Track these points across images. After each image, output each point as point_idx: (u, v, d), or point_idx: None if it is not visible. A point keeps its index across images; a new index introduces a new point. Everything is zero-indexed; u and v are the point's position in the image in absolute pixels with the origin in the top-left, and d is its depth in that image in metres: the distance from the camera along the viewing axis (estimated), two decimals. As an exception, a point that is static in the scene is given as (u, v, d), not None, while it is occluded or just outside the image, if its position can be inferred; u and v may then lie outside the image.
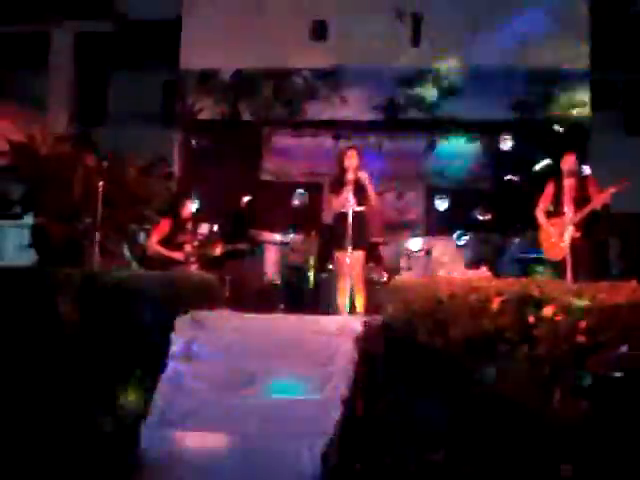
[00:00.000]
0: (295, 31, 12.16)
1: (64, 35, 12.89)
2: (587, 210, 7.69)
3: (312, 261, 10.34)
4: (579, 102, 11.86)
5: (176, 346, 5.92)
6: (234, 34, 12.17)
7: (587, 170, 8.54)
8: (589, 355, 4.06)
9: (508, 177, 11.55)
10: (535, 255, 9.49)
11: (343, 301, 8.15)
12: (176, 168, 12.42)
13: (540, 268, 9.40)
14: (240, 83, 12.63)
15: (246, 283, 10.01)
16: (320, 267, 10.27)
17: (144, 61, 12.73)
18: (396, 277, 9.70)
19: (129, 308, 5.94)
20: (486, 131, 12.16)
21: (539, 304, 4.48)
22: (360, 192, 8.28)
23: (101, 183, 8.35)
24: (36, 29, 12.60)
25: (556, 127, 11.64)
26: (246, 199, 11.52)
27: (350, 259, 8.06)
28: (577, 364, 4.11)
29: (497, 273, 8.64)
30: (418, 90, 12.25)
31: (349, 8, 12.13)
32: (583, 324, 4.13)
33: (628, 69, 12.22)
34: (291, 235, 10.75)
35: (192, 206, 9.56)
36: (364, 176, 8.29)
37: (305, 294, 10.18)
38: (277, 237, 10.85)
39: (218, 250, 9.54)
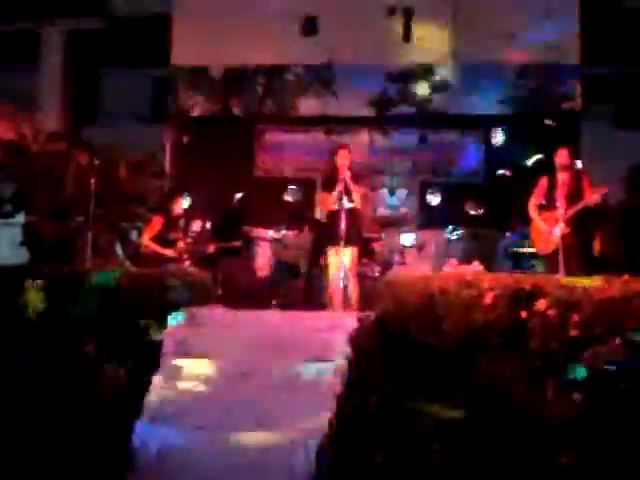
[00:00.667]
0: (286, 27, 12.14)
1: (55, 33, 12.85)
2: (579, 207, 7.70)
3: (304, 257, 10.34)
4: (570, 96, 11.88)
5: (169, 343, 5.92)
6: (225, 30, 12.14)
7: (579, 164, 8.55)
8: (582, 349, 4.07)
9: (500, 172, 11.56)
10: (527, 249, 9.51)
11: (337, 297, 8.17)
12: (168, 165, 12.41)
13: (532, 262, 9.43)
14: (231, 79, 12.62)
15: (239, 280, 10.01)
16: (313, 263, 10.27)
17: (135, 58, 12.71)
18: (389, 272, 9.71)
19: (122, 306, 5.92)
20: (478, 126, 12.17)
21: (532, 298, 4.49)
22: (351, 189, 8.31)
23: (93, 181, 8.33)
24: (27, 27, 12.57)
25: (547, 121, 11.65)
26: (239, 195, 11.51)
27: (343, 255, 8.09)
28: (570, 358, 4.11)
29: (489, 268, 8.65)
30: (409, 85, 12.25)
31: (340, 3, 12.11)
32: (576, 317, 4.13)
33: (619, 63, 12.25)
34: (284, 231, 10.75)
35: (184, 203, 9.55)
36: (348, 175, 8.30)
37: (298, 290, 10.19)
38: (270, 233, 10.85)
39: (211, 247, 9.54)
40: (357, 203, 8.38)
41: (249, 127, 12.69)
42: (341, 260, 8.17)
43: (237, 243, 10.22)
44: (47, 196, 9.32)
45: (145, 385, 5.49)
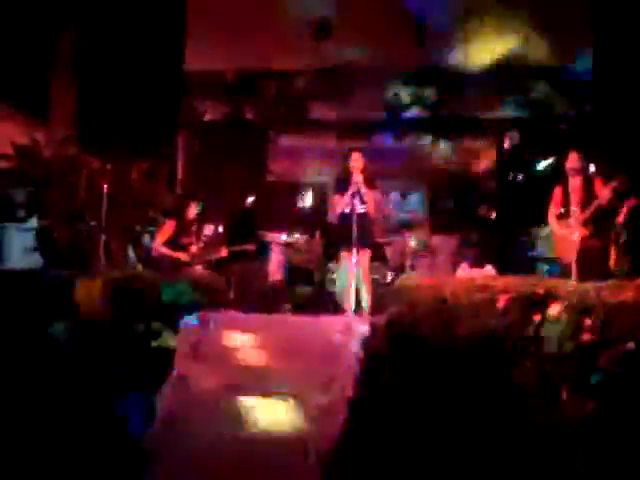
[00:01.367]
0: (298, 31, 12.16)
1: (67, 37, 12.89)
2: (593, 208, 7.67)
3: (316, 262, 10.35)
4: (582, 100, 11.84)
5: (182, 347, 5.93)
6: (238, 35, 12.17)
7: (592, 168, 8.51)
8: (595, 353, 4.05)
9: (512, 175, 11.54)
10: (540, 254, 9.49)
11: (348, 301, 8.17)
12: (181, 170, 12.44)
13: (545, 267, 9.40)
14: (244, 84, 12.64)
15: (251, 284, 10.01)
16: (325, 267, 10.28)
17: (148, 63, 12.74)
18: (401, 277, 9.70)
19: (134, 310, 5.94)
20: (490, 129, 12.15)
21: (545, 303, 4.48)
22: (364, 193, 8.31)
23: (105, 185, 8.36)
24: (39, 33, 12.61)
25: (560, 125, 11.62)
26: (251, 199, 11.53)
27: (356, 259, 8.08)
28: (583, 362, 4.10)
29: (502, 272, 8.63)
30: (421, 89, 12.24)
31: (352, 8, 12.12)
32: (589, 322, 4.12)
33: (631, 67, 12.19)
34: (296, 236, 10.76)
35: (197, 208, 9.57)
36: (360, 179, 8.30)
37: (310, 294, 10.19)
38: (282, 237, 10.85)
39: (223, 251, 9.55)
40: (370, 206, 8.38)
41: (261, 132, 12.71)
42: (353, 264, 8.17)
43: (249, 247, 10.23)
44: (60, 201, 9.35)
45: (159, 388, 5.51)
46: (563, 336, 4.24)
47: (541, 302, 4.50)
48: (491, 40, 11.78)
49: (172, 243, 8.96)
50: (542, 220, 8.32)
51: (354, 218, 8.10)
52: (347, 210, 8.26)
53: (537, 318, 4.45)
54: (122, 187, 9.29)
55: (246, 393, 5.49)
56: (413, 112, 12.30)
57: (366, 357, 5.65)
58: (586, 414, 4.04)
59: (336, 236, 8.77)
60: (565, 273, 7.51)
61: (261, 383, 5.56)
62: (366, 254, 8.36)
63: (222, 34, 12.25)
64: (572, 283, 5.16)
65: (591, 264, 7.42)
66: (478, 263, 9.53)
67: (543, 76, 11.90)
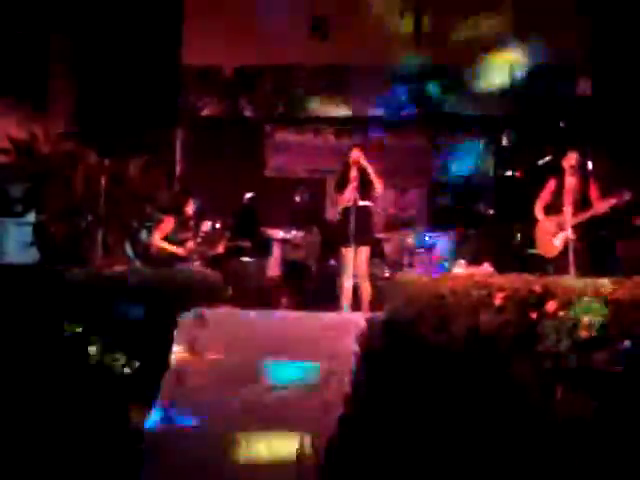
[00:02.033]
0: (296, 27, 12.15)
1: (64, 34, 12.86)
2: (586, 216, 7.65)
3: (314, 257, 10.35)
4: (581, 97, 11.84)
5: (179, 343, 5.93)
6: (235, 30, 12.15)
7: (590, 166, 8.52)
8: (592, 351, 4.06)
9: (510, 173, 11.54)
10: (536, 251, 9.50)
11: (346, 297, 8.18)
12: (178, 165, 12.43)
13: (541, 264, 9.41)
14: (241, 80, 12.62)
15: (249, 280, 10.01)
16: (322, 263, 10.29)
17: (145, 58, 12.71)
18: (398, 273, 9.70)
19: (132, 305, 5.94)
20: (488, 127, 12.15)
21: (542, 300, 4.48)
22: (365, 188, 8.31)
23: (103, 181, 8.35)
24: (37, 28, 12.59)
25: (559, 123, 11.62)
26: (248, 195, 11.51)
27: (355, 254, 8.11)
28: (580, 360, 4.10)
29: (499, 269, 8.63)
30: (420, 86, 12.24)
31: (351, 4, 12.11)
32: (586, 320, 4.12)
33: (630, 65, 12.18)
34: (293, 232, 10.76)
35: (195, 203, 9.57)
36: (364, 162, 8.31)
37: (307, 290, 10.19)
38: (279, 234, 10.85)
39: (221, 247, 9.55)
40: (379, 189, 8.36)
41: (259, 128, 12.70)
42: (351, 260, 8.18)
43: (246, 243, 10.24)
44: (57, 196, 9.33)
45: (156, 384, 5.51)
46: (560, 333, 4.24)
47: (538, 299, 4.51)
48: (488, 38, 11.77)
49: (170, 239, 8.96)
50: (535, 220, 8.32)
51: (354, 213, 8.11)
52: (347, 206, 8.26)
53: (534, 315, 4.46)
54: (120, 182, 9.28)
55: (242, 389, 5.49)
56: (411, 109, 12.29)
57: (363, 353, 5.66)
58: (583, 412, 4.05)
59: (337, 231, 8.78)
60: (560, 270, 7.52)
61: (257, 379, 5.57)
62: (366, 250, 8.36)
63: (220, 29, 12.23)
64: (569, 280, 5.16)
65: (581, 264, 7.42)
66: (476, 260, 9.54)
67: (540, 73, 11.89)
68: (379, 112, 12.29)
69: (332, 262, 10.07)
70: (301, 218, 11.11)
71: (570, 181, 7.82)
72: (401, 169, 12.28)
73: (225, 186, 11.71)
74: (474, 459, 4.46)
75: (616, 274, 4.70)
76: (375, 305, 7.90)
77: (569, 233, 7.59)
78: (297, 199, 11.62)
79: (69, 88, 12.77)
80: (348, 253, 8.22)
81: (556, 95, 11.85)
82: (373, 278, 9.07)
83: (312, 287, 10.22)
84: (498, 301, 4.75)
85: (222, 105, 12.69)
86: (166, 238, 8.95)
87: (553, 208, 7.93)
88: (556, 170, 8.23)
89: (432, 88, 12.18)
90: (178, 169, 12.36)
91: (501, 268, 8.10)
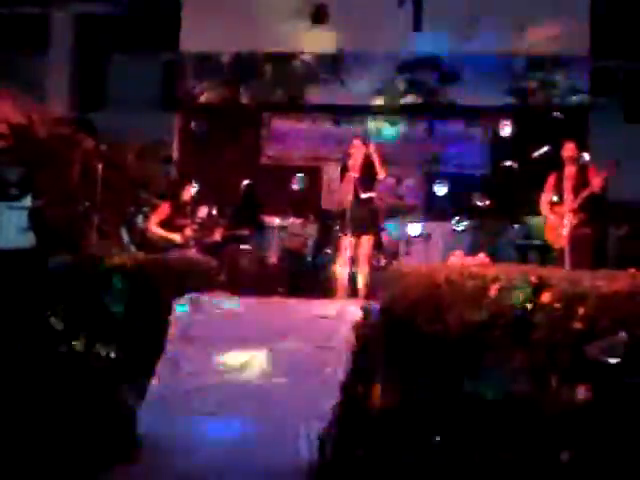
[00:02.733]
0: (296, 15, 12.12)
1: (64, 17, 12.84)
2: (584, 195, 7.71)
3: (311, 245, 10.36)
4: (578, 89, 11.84)
5: (174, 329, 5.93)
6: (235, 16, 12.12)
7: (586, 157, 8.53)
8: (586, 342, 4.07)
9: (507, 163, 11.54)
10: (533, 242, 9.51)
11: (341, 285, 8.18)
12: (176, 152, 12.42)
13: (537, 255, 9.43)
14: (240, 66, 12.60)
15: (245, 267, 10.01)
16: (319, 251, 10.29)
17: (144, 43, 12.69)
18: (395, 262, 9.71)
19: (127, 291, 5.92)
20: (485, 117, 12.14)
21: (537, 291, 4.48)
22: (367, 179, 8.29)
23: (99, 166, 8.34)
24: (36, 11, 12.57)
25: (555, 114, 11.62)
26: (245, 182, 11.50)
27: (357, 243, 8.13)
28: (574, 351, 4.11)
29: (495, 259, 8.65)
30: (418, 75, 12.22)
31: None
32: (581, 311, 4.13)
33: (628, 56, 12.19)
34: (290, 219, 10.75)
35: (192, 190, 9.56)
36: (372, 148, 8.30)
37: (304, 278, 10.19)
38: (276, 221, 10.85)
39: (217, 235, 9.55)
40: (385, 174, 8.35)
41: (257, 115, 12.68)
42: (348, 248, 8.19)
43: (244, 232, 10.23)
44: (54, 181, 9.32)
45: (150, 371, 5.51)
46: (555, 324, 4.25)
47: (533, 290, 4.51)
48: (488, 27, 11.75)
49: (166, 225, 8.95)
50: (536, 208, 8.34)
51: (354, 204, 8.11)
52: (348, 196, 8.24)
53: (529, 306, 4.46)
54: (117, 168, 9.26)
55: (237, 376, 5.50)
56: (409, 98, 12.28)
57: (358, 341, 5.66)
58: (577, 403, 4.06)
59: (337, 220, 8.78)
60: (560, 262, 7.54)
61: (252, 367, 5.57)
62: (369, 239, 8.36)
63: (218, 16, 12.19)
64: (565, 271, 5.18)
65: (581, 252, 7.46)
66: (472, 251, 9.55)
67: (540, 64, 11.88)
68: (377, 100, 12.27)
69: (329, 250, 10.06)
70: (298, 206, 11.11)
71: (568, 170, 7.87)
72: (398, 158, 12.25)
73: (222, 173, 11.70)
74: (468, 446, 4.47)
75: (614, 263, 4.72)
76: (371, 294, 7.90)
77: (569, 218, 7.63)
78: (294, 187, 11.62)
79: (67, 71, 12.75)
80: (346, 241, 8.22)
81: (554, 86, 11.85)
82: (370, 267, 9.08)
83: (309, 275, 10.22)
84: (493, 292, 4.76)
85: (220, 91, 12.66)
86: (162, 224, 8.94)
87: (557, 201, 7.97)
88: (553, 161, 8.25)
89: (431, 77, 12.16)
90: (176, 155, 12.34)
91: (497, 259, 8.12)
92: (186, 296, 6.29)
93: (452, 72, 12.12)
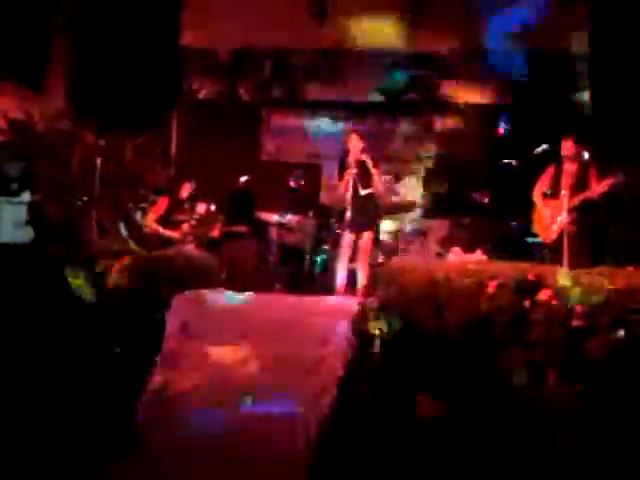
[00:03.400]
0: (295, 11, 12.10)
1: (63, 12, 12.81)
2: (581, 198, 7.71)
3: (309, 242, 10.36)
4: (579, 85, 11.83)
5: (172, 325, 5.93)
6: (234, 13, 12.09)
7: (586, 155, 8.53)
8: (585, 339, 4.07)
9: (506, 160, 11.53)
10: (532, 239, 9.50)
11: (341, 282, 8.19)
12: (174, 147, 12.41)
13: (535, 252, 9.42)
14: (239, 63, 12.58)
15: (243, 263, 10.01)
16: (317, 248, 10.29)
17: (143, 40, 12.66)
18: (393, 259, 9.71)
19: (125, 286, 5.93)
20: (485, 114, 12.14)
21: (535, 288, 4.48)
22: (366, 175, 8.29)
23: (98, 161, 8.34)
24: (34, 6, 12.53)
25: (556, 110, 11.61)
26: (244, 179, 11.49)
27: (357, 240, 8.14)
28: (573, 348, 4.11)
29: (493, 257, 8.65)
30: (417, 72, 12.21)
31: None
32: (579, 308, 4.13)
33: (628, 52, 12.15)
34: (289, 216, 10.75)
35: (190, 186, 9.55)
36: (368, 159, 8.29)
37: (302, 274, 10.20)
38: (274, 218, 10.85)
39: (215, 230, 9.54)
40: (377, 186, 8.35)
41: (256, 111, 12.67)
42: (348, 245, 8.20)
43: (242, 228, 10.22)
44: (52, 175, 9.31)
45: (149, 366, 5.52)
46: (553, 322, 4.25)
47: (531, 287, 4.51)
48: (487, 22, 11.75)
49: (164, 220, 8.95)
50: (534, 206, 8.35)
51: (353, 201, 8.11)
52: (347, 192, 8.24)
53: (527, 304, 4.46)
54: (116, 163, 9.26)
55: (235, 372, 5.51)
56: (408, 95, 12.27)
57: (356, 337, 5.67)
58: (575, 401, 4.06)
59: (336, 217, 8.79)
60: (556, 259, 7.54)
61: (250, 362, 5.58)
62: (368, 236, 8.36)
63: (218, 11, 12.17)
64: (563, 269, 5.17)
65: (577, 250, 7.45)
66: (470, 248, 9.55)
67: (540, 60, 11.87)
68: (376, 97, 12.26)
69: (326, 247, 10.06)
70: (297, 202, 11.11)
71: (569, 167, 7.88)
72: (396, 154, 12.27)
73: (221, 169, 11.69)
74: (465, 443, 4.48)
75: (610, 261, 4.72)
76: (369, 290, 7.91)
77: (564, 217, 7.63)
78: (293, 183, 11.61)
79: (66, 67, 12.72)
80: (345, 238, 8.23)
81: (554, 83, 11.84)
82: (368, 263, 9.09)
83: (306, 271, 10.23)
84: (491, 289, 4.76)
85: (219, 88, 12.65)
86: (160, 220, 8.94)
87: (552, 194, 7.97)
88: (553, 158, 8.25)
89: (430, 73, 12.15)
90: (174, 150, 12.33)
91: (495, 256, 8.11)
92: (185, 292, 6.31)
93: (451, 68, 12.11)
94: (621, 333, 3.92)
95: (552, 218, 7.84)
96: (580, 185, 7.78)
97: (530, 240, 9.47)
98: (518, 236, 10.08)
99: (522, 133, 11.66)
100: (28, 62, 11.90)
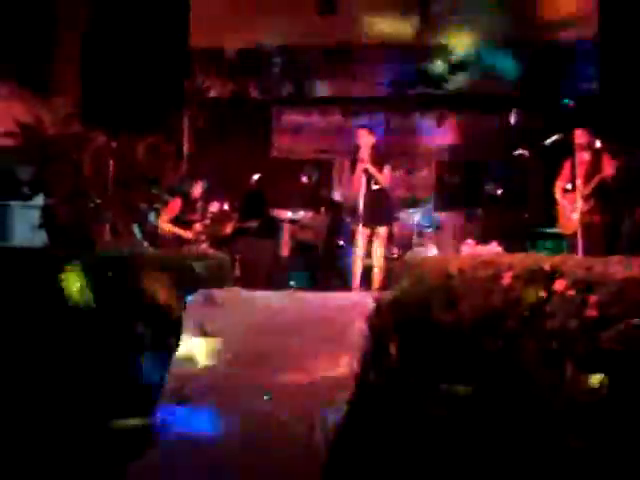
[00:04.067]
0: (303, 7, 12.09)
1: (73, 15, 12.83)
2: (595, 182, 7.71)
3: (322, 238, 10.35)
4: (589, 76, 11.77)
5: (188, 325, 5.94)
6: (242, 11, 12.10)
7: (598, 144, 8.49)
8: (600, 330, 4.04)
9: (518, 152, 11.48)
10: (546, 230, 9.48)
11: (356, 277, 8.19)
12: (186, 147, 12.42)
13: (550, 243, 9.39)
14: (248, 61, 12.58)
15: (257, 261, 10.01)
16: (330, 244, 10.28)
17: (154, 39, 12.67)
18: (407, 253, 9.70)
19: (140, 287, 5.93)
20: (496, 106, 12.09)
21: (550, 279, 4.46)
22: (379, 169, 8.28)
23: (110, 163, 8.35)
24: (43, 11, 12.56)
25: (566, 101, 11.55)
26: (256, 177, 11.49)
27: (372, 235, 8.14)
28: (588, 339, 4.09)
29: (508, 248, 8.63)
30: (427, 66, 12.18)
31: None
32: (594, 298, 4.10)
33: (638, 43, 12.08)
34: (301, 212, 10.75)
35: (202, 186, 9.56)
36: (367, 160, 8.25)
37: (316, 271, 10.20)
38: (287, 214, 10.85)
39: (228, 228, 9.56)
40: (383, 183, 8.33)
41: (266, 109, 12.67)
42: (362, 241, 8.20)
43: (252, 224, 10.23)
44: (65, 178, 9.33)
45: (165, 364, 5.52)
46: (568, 312, 4.23)
47: (547, 278, 4.49)
48: (498, 15, 11.71)
49: (178, 220, 8.97)
50: (548, 196, 8.33)
51: (366, 196, 8.10)
52: (361, 187, 8.23)
53: (543, 294, 4.44)
54: (128, 164, 9.27)
55: (252, 370, 5.50)
56: (418, 88, 12.24)
57: (371, 332, 5.66)
58: (591, 391, 4.04)
59: (350, 213, 8.79)
60: (574, 249, 7.53)
61: (267, 360, 5.58)
62: (383, 231, 8.35)
63: (227, 10, 12.18)
64: (578, 259, 5.15)
65: (593, 239, 7.44)
66: (484, 240, 9.52)
67: (549, 53, 11.82)
68: (386, 91, 12.23)
69: (341, 242, 10.06)
70: (309, 199, 11.10)
71: (581, 157, 7.87)
72: (409, 149, 12.24)
73: (232, 167, 11.69)
74: (481, 437, 4.46)
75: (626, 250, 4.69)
76: (384, 285, 7.90)
77: (580, 204, 7.63)
78: (304, 180, 11.61)
79: (75, 70, 12.75)
80: (359, 233, 8.22)
81: (564, 74, 11.78)
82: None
83: (321, 268, 10.23)
84: (506, 280, 4.74)
85: (229, 86, 12.65)
86: (173, 220, 8.96)
87: (572, 188, 7.97)
88: (565, 149, 8.22)
89: (439, 67, 12.12)
90: (186, 150, 12.34)
91: (510, 247, 8.09)
92: (200, 290, 6.31)
93: (461, 61, 12.07)
94: (637, 322, 3.90)
95: (571, 209, 7.84)
96: (594, 173, 7.77)
97: (545, 230, 9.45)
98: (533, 227, 10.06)
99: (533, 124, 11.61)
100: (38, 65, 11.94)
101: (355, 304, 6.18)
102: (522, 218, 10.45)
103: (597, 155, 7.93)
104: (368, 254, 8.36)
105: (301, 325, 5.93)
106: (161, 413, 5.11)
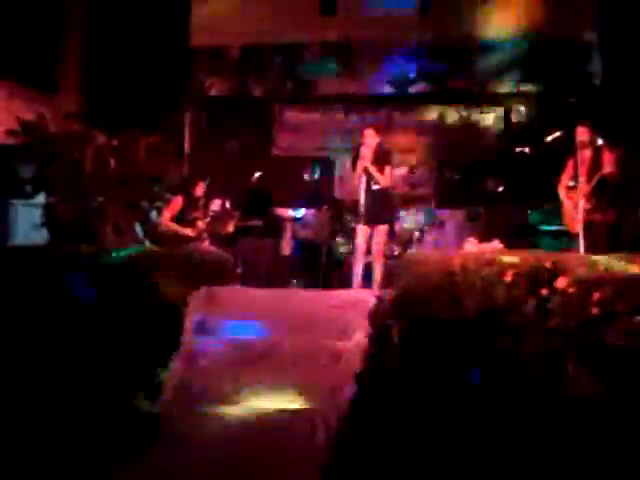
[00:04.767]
0: (305, 5, 12.08)
1: (75, 14, 12.84)
2: (595, 180, 7.71)
3: (324, 236, 10.35)
4: (591, 72, 11.76)
5: (190, 322, 5.94)
6: (244, 9, 12.10)
7: (599, 141, 8.50)
8: (603, 327, 4.04)
9: (520, 149, 11.49)
10: (548, 227, 9.48)
11: (358, 275, 8.18)
12: (187, 145, 12.42)
13: (552, 241, 9.39)
14: (250, 59, 12.58)
15: (259, 259, 10.01)
16: (333, 242, 10.28)
17: (155, 38, 12.68)
18: (409, 251, 9.69)
19: (142, 285, 5.94)
20: (498, 103, 12.09)
21: (552, 276, 4.46)
22: (381, 168, 8.27)
23: (112, 161, 8.35)
24: (46, 10, 12.57)
25: (568, 98, 11.55)
26: (257, 175, 11.49)
27: (370, 234, 8.12)
28: (591, 336, 4.09)
29: (510, 246, 8.62)
30: (429, 63, 12.17)
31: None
32: (596, 296, 4.10)
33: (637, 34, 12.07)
34: (303, 210, 10.74)
35: (204, 183, 9.55)
36: (371, 168, 8.25)
37: (318, 269, 10.20)
38: (289, 212, 10.85)
39: (230, 227, 9.55)
40: (383, 183, 8.31)
41: (268, 107, 12.66)
42: (363, 239, 8.19)
43: (256, 222, 10.22)
44: (66, 177, 9.34)
45: (167, 363, 5.53)
46: (570, 310, 4.23)
47: (549, 276, 4.49)
48: (498, 11, 11.69)
49: (179, 218, 8.96)
50: (550, 193, 8.32)
51: (367, 194, 8.09)
52: (361, 186, 8.22)
53: (545, 292, 4.44)
54: (129, 162, 9.28)
55: (254, 368, 5.51)
56: (420, 85, 12.23)
57: (374, 330, 5.66)
58: (593, 388, 4.04)
59: (350, 211, 8.78)
60: (575, 246, 7.53)
61: (269, 358, 5.58)
62: (383, 229, 8.34)
63: (228, 8, 12.18)
64: (580, 256, 5.15)
65: (595, 237, 7.44)
66: (485, 237, 9.52)
67: (552, 49, 11.80)
68: (388, 89, 12.22)
69: (342, 240, 10.06)
70: (310, 197, 11.10)
71: (583, 154, 7.86)
72: (410, 146, 12.23)
73: (234, 165, 11.69)
74: (484, 434, 4.46)
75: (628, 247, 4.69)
76: (386, 283, 7.89)
77: (582, 203, 7.63)
78: (306, 178, 11.61)
79: (77, 69, 12.76)
80: (360, 231, 8.21)
81: (566, 71, 11.77)
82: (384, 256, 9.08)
83: (323, 266, 10.22)
84: (508, 278, 4.74)
85: (231, 84, 12.65)
86: (175, 218, 8.95)
87: (574, 186, 7.97)
88: (567, 145, 8.22)
89: (442, 64, 12.11)
90: (187, 148, 12.34)
91: (512, 245, 8.09)
92: (202, 288, 6.31)
93: (463, 58, 12.05)
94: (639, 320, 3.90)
95: (575, 208, 7.84)
96: (595, 171, 7.76)
97: (546, 228, 9.45)
98: (534, 224, 10.06)
99: (535, 121, 11.62)
100: (40, 64, 11.94)
101: (357, 302, 6.18)
102: (524, 215, 10.45)
103: (598, 152, 7.92)
104: (369, 252, 8.35)
105: (303, 323, 5.94)
106: (162, 411, 5.11)
